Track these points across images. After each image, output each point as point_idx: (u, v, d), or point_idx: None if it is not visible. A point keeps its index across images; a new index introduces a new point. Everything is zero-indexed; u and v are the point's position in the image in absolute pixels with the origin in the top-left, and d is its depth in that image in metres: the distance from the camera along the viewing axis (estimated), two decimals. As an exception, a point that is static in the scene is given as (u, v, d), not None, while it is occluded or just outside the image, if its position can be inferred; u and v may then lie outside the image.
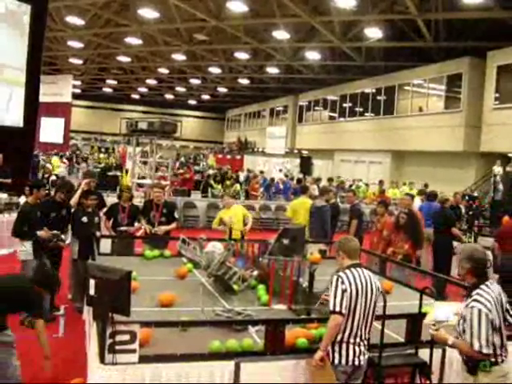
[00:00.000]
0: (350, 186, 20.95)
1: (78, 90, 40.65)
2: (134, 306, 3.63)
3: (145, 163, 14.53)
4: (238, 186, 18.96)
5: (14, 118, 13.07)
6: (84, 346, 5.09)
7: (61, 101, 27.92)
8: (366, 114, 26.28)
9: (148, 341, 3.83)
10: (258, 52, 25.96)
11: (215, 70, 30.99)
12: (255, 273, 5.65)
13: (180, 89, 40.33)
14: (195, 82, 35.97)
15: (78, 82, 37.37)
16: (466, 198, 15.72)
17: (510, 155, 18.40)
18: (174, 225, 7.68)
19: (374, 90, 25.62)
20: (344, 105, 28.54)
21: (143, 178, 14.86)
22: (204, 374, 3.62)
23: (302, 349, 4.01)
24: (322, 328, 4.20)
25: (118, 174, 20.41)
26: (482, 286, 3.43)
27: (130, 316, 3.54)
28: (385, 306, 3.90)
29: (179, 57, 28.01)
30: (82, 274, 6.66)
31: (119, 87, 42.04)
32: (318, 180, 19.51)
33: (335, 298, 3.62)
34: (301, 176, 23.02)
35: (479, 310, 3.31)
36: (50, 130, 27.92)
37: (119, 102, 48.26)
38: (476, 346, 3.29)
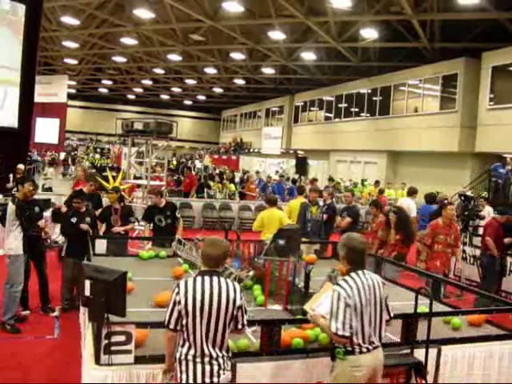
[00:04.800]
0: (346, 186, 20.98)
1: (73, 91, 40.57)
2: (129, 306, 3.62)
3: (140, 164, 14.48)
4: (232, 187, 18.93)
5: (9, 118, 13.02)
6: (79, 347, 5.07)
7: (56, 101, 27.85)
8: (362, 115, 26.32)
9: (144, 341, 3.83)
10: (254, 52, 25.98)
11: (211, 71, 30.99)
12: (251, 273, 5.64)
13: (176, 89, 40.31)
14: (191, 82, 35.96)
15: (74, 83, 37.29)
16: (462, 198, 15.73)
17: (505, 155, 18.46)
18: (130, 225, 7.77)
19: (369, 91, 25.67)
20: (340, 105, 28.57)
21: (139, 178, 14.82)
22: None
23: (297, 349, 4.01)
24: (317, 328, 4.21)
25: (114, 174, 20.33)
26: (352, 274, 3.51)
27: (126, 317, 3.53)
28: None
29: (175, 57, 28.00)
30: (69, 272, 6.74)
31: (115, 87, 41.97)
32: (314, 180, 19.51)
33: (172, 312, 3.20)
34: (296, 176, 23.05)
35: (338, 294, 3.40)
36: (45, 130, 27.84)
37: (115, 103, 48.20)
38: (333, 328, 3.37)
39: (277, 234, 5.62)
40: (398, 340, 4.30)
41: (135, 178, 14.88)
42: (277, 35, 21.32)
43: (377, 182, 19.29)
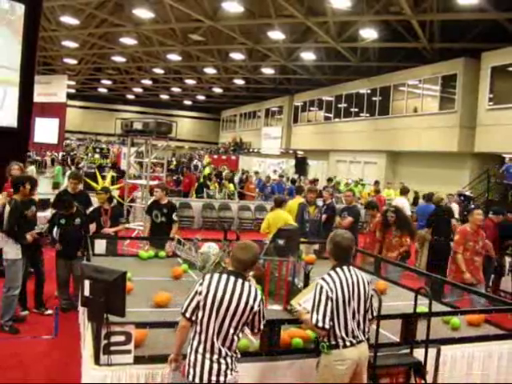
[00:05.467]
0: (347, 184, 20.98)
1: (72, 90, 40.54)
2: (128, 306, 3.63)
3: (140, 163, 14.47)
4: (231, 187, 18.91)
5: (8, 118, 13.00)
6: (78, 347, 5.07)
7: (55, 101, 27.77)
8: (361, 115, 26.31)
9: (143, 341, 3.83)
10: (254, 52, 25.97)
11: (210, 71, 30.98)
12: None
13: (175, 89, 40.31)
14: (190, 82, 35.95)
15: (73, 82, 37.27)
16: (461, 197, 15.77)
17: (504, 155, 18.49)
18: (120, 226, 7.81)
19: (369, 91, 25.67)
20: (339, 105, 28.57)
21: (138, 177, 14.82)
22: (199, 375, 3.60)
23: (297, 349, 4.02)
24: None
25: (114, 174, 20.35)
26: (337, 269, 3.61)
27: (125, 317, 3.53)
28: (380, 306, 3.90)
29: (174, 57, 28.00)
30: (61, 272, 6.75)
31: (114, 87, 41.96)
32: (315, 180, 19.52)
33: (191, 301, 3.28)
34: (296, 176, 23.02)
35: (321, 287, 3.51)
36: (45, 130, 27.75)
37: (114, 103, 48.19)
38: (314, 319, 3.45)
39: (276, 234, 5.62)
40: (398, 340, 4.30)
41: (135, 177, 14.87)
42: (276, 35, 21.32)
43: (376, 182, 19.31)
